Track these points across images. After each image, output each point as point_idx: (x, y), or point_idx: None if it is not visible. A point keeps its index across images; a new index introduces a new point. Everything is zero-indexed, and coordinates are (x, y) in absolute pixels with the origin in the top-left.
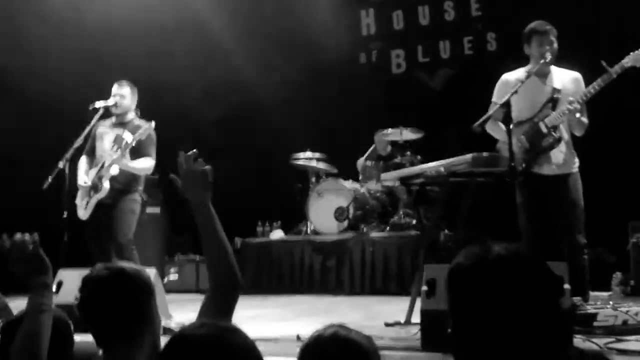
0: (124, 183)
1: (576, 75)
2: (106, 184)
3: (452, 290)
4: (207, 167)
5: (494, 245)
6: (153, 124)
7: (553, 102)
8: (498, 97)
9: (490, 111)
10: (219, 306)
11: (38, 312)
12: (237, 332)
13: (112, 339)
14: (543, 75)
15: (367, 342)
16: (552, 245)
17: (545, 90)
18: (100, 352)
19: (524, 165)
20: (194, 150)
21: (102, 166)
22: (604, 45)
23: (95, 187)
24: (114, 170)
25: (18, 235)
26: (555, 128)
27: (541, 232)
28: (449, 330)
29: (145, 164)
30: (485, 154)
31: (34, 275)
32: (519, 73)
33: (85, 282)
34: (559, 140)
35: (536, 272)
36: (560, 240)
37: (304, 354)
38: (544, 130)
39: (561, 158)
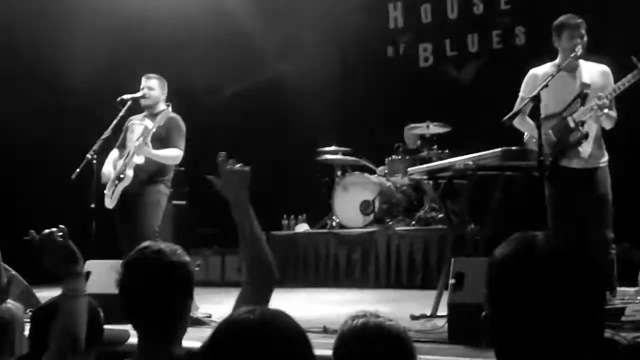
0: (149, 172)
1: (605, 68)
2: (129, 172)
3: (496, 281)
4: (246, 168)
5: (539, 236)
6: (170, 108)
7: (582, 97)
8: (526, 91)
9: (518, 105)
10: (255, 298)
11: (73, 297)
12: (286, 317)
13: (162, 320)
14: (572, 69)
15: (403, 332)
16: (580, 239)
17: (574, 85)
18: (131, 338)
19: (550, 159)
20: (233, 158)
21: (128, 155)
22: (636, 39)
23: (119, 176)
24: (139, 159)
25: (47, 230)
26: (582, 123)
27: (569, 226)
28: (486, 320)
29: (172, 153)
30: (514, 147)
31: (65, 266)
32: (547, 67)
33: (128, 266)
34: (586, 135)
35: (586, 264)
36: (588, 234)
37: (342, 341)
38: (572, 125)
39: (589, 152)
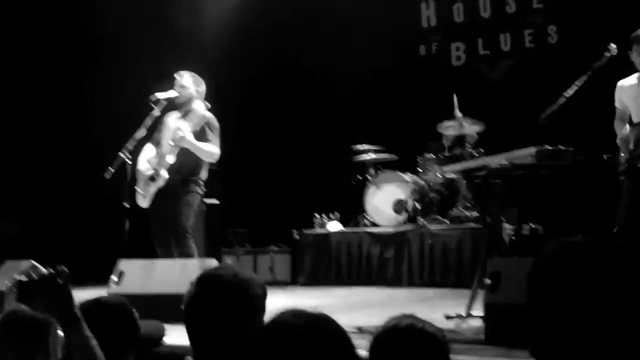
0: (183, 173)
1: None
2: (164, 173)
3: (540, 294)
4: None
5: (581, 243)
6: (202, 104)
7: None
8: (616, 101)
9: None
10: None
11: (86, 347)
12: (332, 322)
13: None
14: None
15: (440, 334)
16: None
17: None
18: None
19: (627, 163)
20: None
21: (161, 155)
22: None
23: (153, 177)
24: (171, 159)
25: (45, 271)
26: None
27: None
28: (531, 332)
29: (210, 149)
30: (549, 147)
31: (62, 309)
32: (633, 79)
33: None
34: None
35: (630, 270)
36: None
37: (378, 343)
38: None
39: None
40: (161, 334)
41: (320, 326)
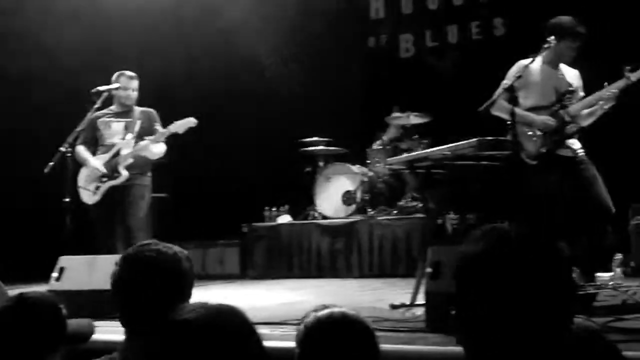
0: (137, 167)
1: (577, 72)
2: (124, 172)
3: (460, 276)
4: None
5: (503, 228)
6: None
7: (570, 94)
8: (514, 79)
9: (496, 94)
10: None
11: None
12: (232, 312)
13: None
14: (556, 66)
15: (367, 322)
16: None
17: (562, 80)
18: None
19: (545, 149)
20: None
21: (117, 154)
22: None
23: (109, 174)
24: (131, 159)
25: None
26: (575, 117)
27: (552, 214)
28: (452, 312)
29: (162, 149)
30: (490, 138)
31: None
32: (538, 60)
33: (127, 261)
34: (581, 130)
35: (548, 255)
36: (583, 216)
37: (309, 332)
38: (567, 118)
39: (577, 142)
40: (90, 332)
41: (217, 319)
